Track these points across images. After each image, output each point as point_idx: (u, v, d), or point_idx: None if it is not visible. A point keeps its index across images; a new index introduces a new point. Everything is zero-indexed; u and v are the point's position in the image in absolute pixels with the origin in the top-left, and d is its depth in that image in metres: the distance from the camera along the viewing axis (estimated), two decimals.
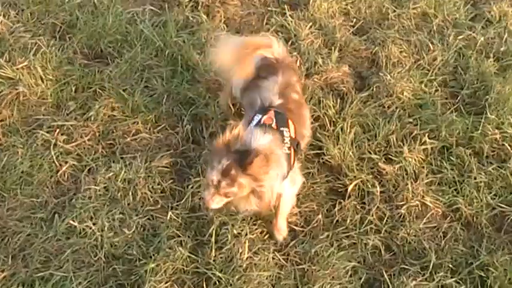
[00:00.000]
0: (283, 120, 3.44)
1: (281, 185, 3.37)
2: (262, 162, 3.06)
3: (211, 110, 4.32)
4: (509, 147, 4.26)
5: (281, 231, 3.74)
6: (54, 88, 4.42)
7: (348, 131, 4.21)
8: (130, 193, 3.88)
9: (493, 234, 3.91)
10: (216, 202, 3.16)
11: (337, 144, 4.14)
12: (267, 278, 3.55)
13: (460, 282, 3.64)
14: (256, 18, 5.09)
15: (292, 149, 3.40)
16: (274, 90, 3.61)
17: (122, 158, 4.07)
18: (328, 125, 4.29)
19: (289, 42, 4.80)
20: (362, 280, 3.62)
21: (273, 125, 3.37)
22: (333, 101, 4.42)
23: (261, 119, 3.42)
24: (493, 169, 4.16)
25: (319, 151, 4.17)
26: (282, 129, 3.38)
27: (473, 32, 5.08)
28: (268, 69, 3.75)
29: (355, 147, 4.17)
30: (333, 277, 3.59)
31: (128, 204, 3.84)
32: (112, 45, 4.73)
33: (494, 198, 4.04)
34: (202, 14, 5.03)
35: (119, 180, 3.92)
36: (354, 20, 5.16)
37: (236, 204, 3.33)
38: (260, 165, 3.06)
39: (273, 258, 3.65)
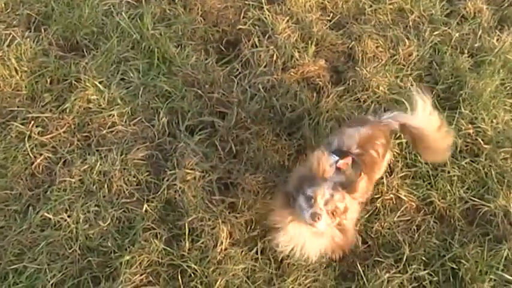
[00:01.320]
0: (357, 171, 3.37)
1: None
2: (365, 185, 3.09)
3: (187, 103, 4.31)
4: (482, 142, 4.32)
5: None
6: (29, 80, 4.37)
7: (324, 124, 4.24)
8: (105, 185, 3.87)
9: (465, 227, 3.97)
10: (323, 220, 2.99)
11: (314, 137, 4.17)
12: (242, 271, 3.57)
13: (433, 274, 3.71)
14: (234, 11, 5.06)
15: None
16: (354, 137, 3.54)
17: (97, 150, 4.04)
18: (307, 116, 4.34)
19: (266, 36, 4.79)
20: (336, 272, 3.66)
21: (347, 172, 3.30)
22: (309, 95, 4.45)
23: (337, 161, 3.34)
24: (466, 163, 4.21)
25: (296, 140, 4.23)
26: None
27: (449, 28, 5.13)
28: (359, 121, 3.77)
29: None
30: (308, 269, 3.62)
31: (103, 196, 3.83)
32: (88, 37, 4.69)
33: (467, 192, 4.10)
34: (180, 6, 4.99)
35: (94, 172, 3.90)
36: (331, 14, 5.16)
37: (310, 246, 3.27)
38: (363, 186, 3.08)
39: (249, 250, 3.67)
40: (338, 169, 3.28)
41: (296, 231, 3.19)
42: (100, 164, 3.94)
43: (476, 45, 5.04)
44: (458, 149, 4.28)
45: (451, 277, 3.71)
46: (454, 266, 3.72)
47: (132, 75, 4.45)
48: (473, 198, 4.07)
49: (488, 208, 4.01)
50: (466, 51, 4.97)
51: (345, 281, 3.64)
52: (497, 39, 5.04)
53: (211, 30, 4.89)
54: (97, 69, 4.44)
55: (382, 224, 3.88)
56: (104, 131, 4.15)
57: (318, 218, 2.96)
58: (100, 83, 4.35)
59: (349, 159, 3.35)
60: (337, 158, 3.37)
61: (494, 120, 4.48)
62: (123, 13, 4.76)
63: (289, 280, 3.57)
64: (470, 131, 4.37)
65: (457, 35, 5.06)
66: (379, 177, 3.94)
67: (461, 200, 4.07)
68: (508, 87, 4.75)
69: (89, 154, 4.01)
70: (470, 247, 3.80)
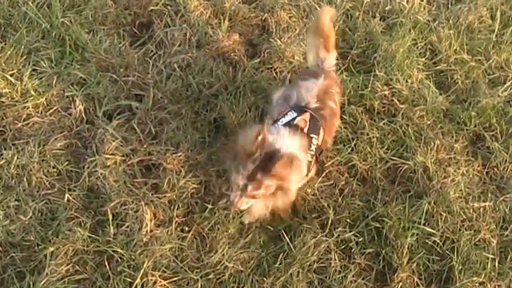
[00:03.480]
0: (316, 127, 3.40)
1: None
2: (285, 165, 3.04)
3: (103, 88, 4.24)
4: (398, 102, 4.42)
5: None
6: None
7: (242, 98, 4.26)
8: (25, 179, 3.79)
9: (387, 186, 4.08)
10: (244, 203, 3.17)
11: (233, 112, 4.18)
12: (169, 250, 3.58)
13: (358, 235, 3.81)
14: None
15: (314, 157, 3.41)
16: (313, 91, 3.52)
17: (13, 144, 3.95)
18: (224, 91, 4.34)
19: (179, 15, 4.75)
20: (263, 242, 3.72)
21: (305, 129, 3.34)
22: (225, 70, 4.45)
23: (295, 118, 3.36)
24: (384, 124, 4.32)
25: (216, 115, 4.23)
26: (312, 135, 3.36)
27: None
28: (310, 74, 3.71)
29: (252, 111, 4.24)
30: (234, 242, 3.67)
31: (24, 190, 3.76)
32: None
33: (387, 152, 4.21)
34: None
35: (12, 167, 3.82)
36: None
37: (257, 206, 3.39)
38: (283, 167, 3.04)
39: (175, 229, 3.68)
40: (296, 126, 3.32)
41: None
42: (17, 158, 3.85)
43: (387, 8, 5.12)
44: (376, 110, 4.38)
45: (375, 236, 3.81)
46: (378, 225, 3.83)
47: (44, 65, 4.33)
48: (393, 158, 4.18)
49: (408, 166, 4.13)
50: (377, 15, 5.05)
51: (272, 250, 3.69)
52: (407, 1, 5.14)
53: (123, 13, 4.79)
54: (7, 62, 4.30)
55: (306, 190, 3.93)
56: (20, 124, 4.05)
57: (236, 207, 3.18)
58: (11, 75, 4.23)
59: (306, 116, 3.37)
60: (295, 114, 3.40)
61: (408, 80, 4.59)
62: (29, 3, 4.61)
63: (217, 255, 3.60)
64: (386, 92, 4.46)
65: None
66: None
67: (381, 161, 4.17)
68: (420, 47, 4.88)
69: (5, 149, 3.91)
70: (392, 205, 3.92)
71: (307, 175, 3.49)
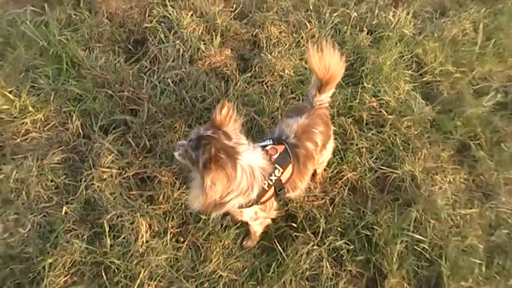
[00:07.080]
0: (285, 161, 3.34)
1: (242, 210, 3.39)
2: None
3: (99, 103, 4.36)
4: (385, 113, 4.54)
5: (251, 242, 3.84)
6: None
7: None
8: (23, 193, 3.89)
9: (377, 195, 4.18)
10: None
11: None
12: (165, 260, 3.67)
13: (349, 242, 3.89)
14: (139, 11, 5.12)
15: (272, 189, 3.31)
16: (293, 127, 3.49)
17: (12, 159, 4.06)
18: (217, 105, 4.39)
19: (172, 32, 4.88)
20: (256, 252, 3.81)
21: (273, 157, 3.30)
22: (218, 84, 4.56)
23: (268, 145, 3.38)
24: (372, 134, 4.43)
25: None
26: (276, 166, 3.29)
27: (347, 9, 5.35)
28: (296, 111, 3.69)
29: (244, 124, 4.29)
30: (229, 252, 3.77)
31: (22, 203, 3.86)
32: None
33: (376, 162, 4.31)
34: (85, 10, 5.03)
35: (11, 181, 3.92)
36: (234, 5, 5.29)
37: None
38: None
39: (171, 240, 3.77)
40: (266, 152, 3.29)
41: None
42: (16, 172, 3.95)
43: (374, 22, 5.28)
44: (364, 121, 4.49)
45: (366, 244, 3.90)
46: (368, 233, 3.91)
47: (42, 81, 4.46)
48: (382, 167, 4.28)
49: (396, 175, 4.23)
50: (365, 29, 5.19)
51: (265, 259, 3.78)
52: (393, 15, 5.28)
53: (118, 31, 4.94)
54: (5, 79, 4.43)
55: (299, 200, 4.03)
56: (18, 140, 4.17)
57: None
58: (10, 92, 4.36)
59: (281, 148, 3.37)
60: (271, 142, 3.41)
61: (396, 92, 4.71)
62: (27, 22, 4.75)
63: (212, 264, 3.69)
64: (374, 104, 4.58)
65: (355, 14, 5.27)
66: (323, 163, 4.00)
67: (371, 170, 4.27)
68: (406, 59, 5.01)
69: (4, 164, 4.03)
70: (382, 213, 4.01)
71: (258, 204, 3.34)
